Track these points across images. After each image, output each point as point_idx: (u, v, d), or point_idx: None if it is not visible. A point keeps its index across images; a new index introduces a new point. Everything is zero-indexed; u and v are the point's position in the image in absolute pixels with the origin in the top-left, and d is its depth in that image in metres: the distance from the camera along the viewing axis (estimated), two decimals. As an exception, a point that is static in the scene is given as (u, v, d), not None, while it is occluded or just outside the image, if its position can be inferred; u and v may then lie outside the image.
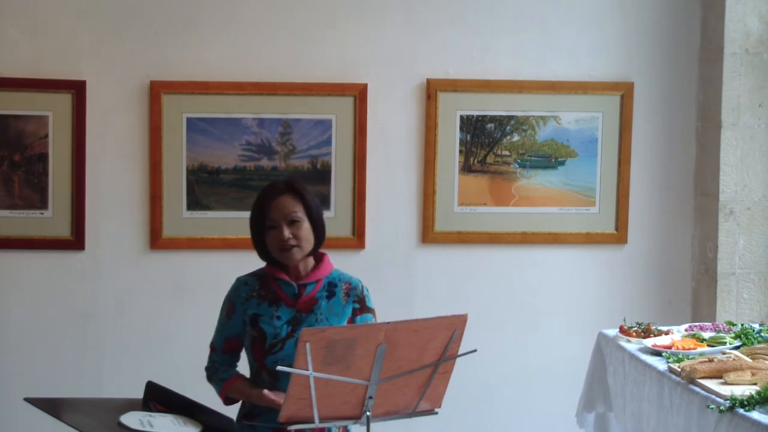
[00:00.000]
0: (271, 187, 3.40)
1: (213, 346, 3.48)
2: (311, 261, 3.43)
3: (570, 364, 4.98)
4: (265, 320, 3.36)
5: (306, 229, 3.35)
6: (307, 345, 2.95)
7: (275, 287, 3.41)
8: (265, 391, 3.27)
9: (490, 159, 5.17)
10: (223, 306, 3.48)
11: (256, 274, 3.47)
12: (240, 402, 3.45)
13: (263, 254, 3.43)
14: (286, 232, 3.32)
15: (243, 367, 3.48)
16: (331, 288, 3.43)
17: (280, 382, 3.31)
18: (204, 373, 3.48)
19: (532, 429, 5.27)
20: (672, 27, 5.22)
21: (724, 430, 3.29)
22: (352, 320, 3.43)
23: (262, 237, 3.38)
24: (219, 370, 3.44)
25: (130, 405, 3.39)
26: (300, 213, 3.34)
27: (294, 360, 2.97)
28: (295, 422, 3.08)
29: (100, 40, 4.97)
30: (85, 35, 4.96)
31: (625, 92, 5.19)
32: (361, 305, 3.45)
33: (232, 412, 3.38)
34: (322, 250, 3.46)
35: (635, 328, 4.24)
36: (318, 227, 3.39)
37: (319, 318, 3.37)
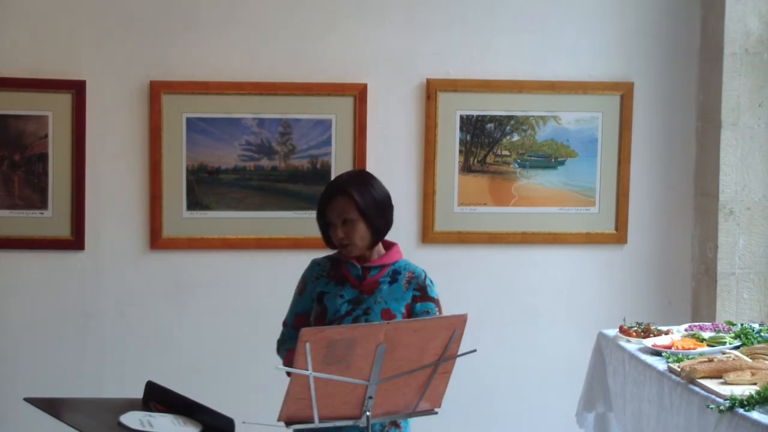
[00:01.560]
0: (330, 188, 3.54)
1: (285, 322, 3.65)
2: (381, 248, 3.57)
3: (570, 364, 4.98)
4: (330, 298, 3.52)
5: (360, 229, 3.47)
6: (307, 345, 2.96)
7: (344, 269, 3.55)
8: None
9: (490, 159, 5.17)
10: (297, 285, 3.64)
11: (329, 257, 3.63)
12: None
13: (330, 243, 3.57)
14: (340, 232, 3.47)
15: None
16: (395, 275, 3.55)
17: None
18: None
19: (531, 429, 5.27)
20: (672, 27, 5.22)
21: (724, 430, 3.29)
22: (410, 307, 3.51)
23: (325, 231, 3.56)
24: (287, 342, 3.59)
25: (130, 405, 3.39)
26: (352, 214, 3.46)
27: (294, 359, 2.98)
28: (295, 422, 3.09)
29: (100, 40, 4.97)
30: (85, 35, 4.96)
31: (625, 92, 5.19)
32: (422, 293, 3.54)
33: (233, 410, 3.38)
34: (392, 240, 3.61)
35: (635, 328, 4.24)
36: (374, 225, 3.49)
37: (379, 300, 3.49)
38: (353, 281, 3.52)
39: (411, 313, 3.51)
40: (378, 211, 3.50)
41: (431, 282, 3.57)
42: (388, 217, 3.56)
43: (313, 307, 3.54)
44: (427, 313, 3.51)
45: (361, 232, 3.47)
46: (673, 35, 5.22)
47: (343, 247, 3.50)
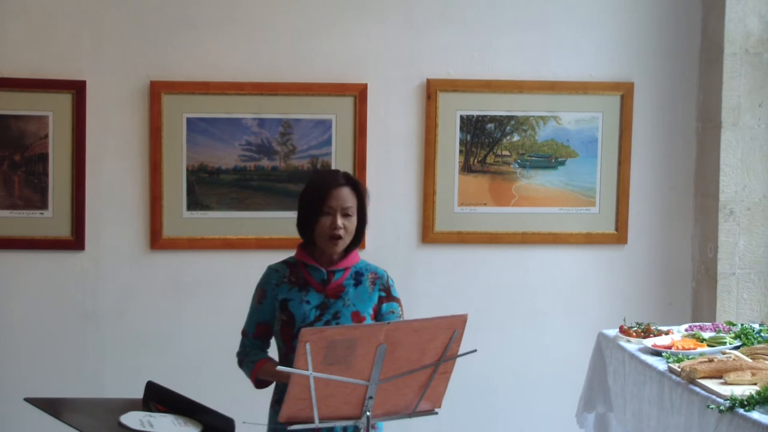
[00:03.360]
0: (334, 176, 3.51)
1: (244, 332, 3.59)
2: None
3: (570, 364, 4.99)
4: (295, 305, 3.47)
5: (354, 223, 3.47)
6: (308, 345, 2.95)
7: (305, 273, 3.52)
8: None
9: (490, 159, 5.17)
10: (255, 293, 3.58)
11: (286, 262, 3.58)
12: (273, 386, 3.55)
13: (305, 235, 3.51)
14: (340, 221, 3.43)
15: (272, 352, 3.57)
16: (358, 276, 3.53)
17: None
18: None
19: (532, 429, 5.27)
20: (672, 27, 5.22)
21: (725, 430, 3.29)
22: (378, 308, 3.51)
23: (312, 219, 3.46)
24: (250, 353, 3.54)
25: (130, 405, 3.39)
26: (354, 208, 3.47)
27: (294, 360, 2.98)
28: (296, 422, 3.09)
29: (100, 40, 4.97)
30: (86, 35, 4.96)
31: (625, 92, 5.19)
32: (386, 294, 3.55)
33: (233, 410, 3.38)
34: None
35: (635, 328, 4.24)
36: (362, 224, 3.51)
37: (347, 303, 3.48)
38: (317, 285, 3.49)
39: (378, 313, 3.52)
40: (366, 213, 3.53)
41: (393, 282, 3.59)
42: (366, 222, 3.55)
43: (277, 316, 3.49)
44: (392, 313, 3.53)
45: (352, 228, 3.47)
46: (674, 36, 5.22)
47: (334, 239, 3.44)
